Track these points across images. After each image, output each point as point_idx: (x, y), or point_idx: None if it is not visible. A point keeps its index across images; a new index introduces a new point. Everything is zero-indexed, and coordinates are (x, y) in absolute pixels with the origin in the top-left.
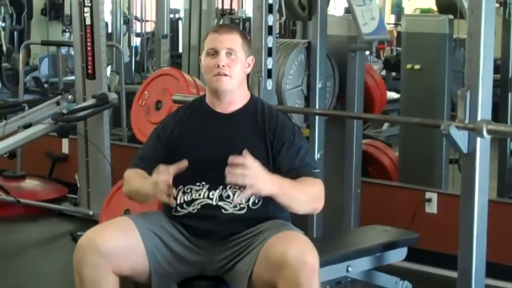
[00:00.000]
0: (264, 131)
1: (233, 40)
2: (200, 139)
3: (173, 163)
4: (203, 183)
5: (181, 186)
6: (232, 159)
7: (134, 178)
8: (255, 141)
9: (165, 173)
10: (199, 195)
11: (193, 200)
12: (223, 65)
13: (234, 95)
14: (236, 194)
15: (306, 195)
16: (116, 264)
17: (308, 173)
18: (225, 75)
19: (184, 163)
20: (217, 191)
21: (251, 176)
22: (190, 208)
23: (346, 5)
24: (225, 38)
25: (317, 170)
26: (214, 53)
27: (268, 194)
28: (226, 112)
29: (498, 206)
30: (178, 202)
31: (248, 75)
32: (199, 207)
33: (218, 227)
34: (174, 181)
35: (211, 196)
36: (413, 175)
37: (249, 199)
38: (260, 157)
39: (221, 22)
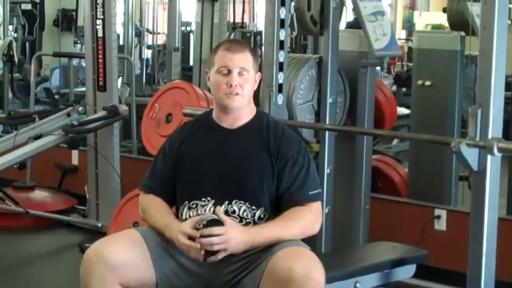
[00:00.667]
0: (269, 146)
1: (246, 60)
2: (206, 154)
3: (180, 179)
4: (209, 198)
5: (186, 202)
6: (202, 231)
7: (155, 210)
8: (260, 155)
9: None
10: (205, 210)
11: (199, 216)
12: (235, 85)
13: (242, 112)
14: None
15: (293, 231)
16: (123, 276)
17: (302, 199)
18: (237, 94)
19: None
20: (223, 206)
21: (222, 243)
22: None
23: (348, 19)
24: (238, 57)
25: (315, 192)
26: (226, 72)
27: (251, 248)
28: (232, 127)
29: (507, 224)
30: (184, 217)
31: (258, 89)
32: (204, 222)
33: None
34: (180, 195)
35: (216, 211)
36: (423, 191)
37: (254, 213)
38: (266, 171)
39: (232, 35)
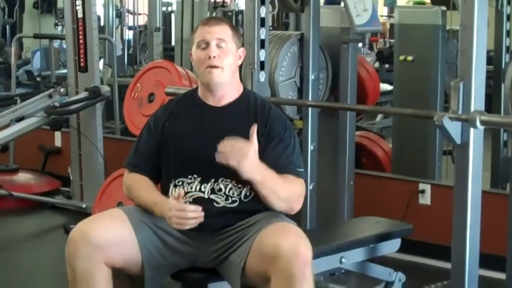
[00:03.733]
0: (256, 123)
1: (223, 31)
2: (192, 132)
3: (166, 156)
4: (195, 176)
5: (172, 179)
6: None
7: (140, 188)
8: (247, 134)
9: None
10: (191, 188)
11: (185, 193)
12: (214, 56)
13: (226, 88)
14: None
15: (286, 192)
16: (108, 255)
17: (292, 172)
18: (216, 66)
19: (182, 192)
20: (209, 184)
21: (238, 156)
22: (182, 201)
23: None
24: (215, 29)
25: (301, 169)
26: (205, 45)
27: (250, 178)
28: (219, 105)
29: (491, 197)
30: (170, 195)
31: (240, 67)
32: (191, 200)
33: (210, 220)
34: (166, 174)
35: (203, 189)
36: (407, 166)
37: (240, 192)
38: None
39: (214, 14)
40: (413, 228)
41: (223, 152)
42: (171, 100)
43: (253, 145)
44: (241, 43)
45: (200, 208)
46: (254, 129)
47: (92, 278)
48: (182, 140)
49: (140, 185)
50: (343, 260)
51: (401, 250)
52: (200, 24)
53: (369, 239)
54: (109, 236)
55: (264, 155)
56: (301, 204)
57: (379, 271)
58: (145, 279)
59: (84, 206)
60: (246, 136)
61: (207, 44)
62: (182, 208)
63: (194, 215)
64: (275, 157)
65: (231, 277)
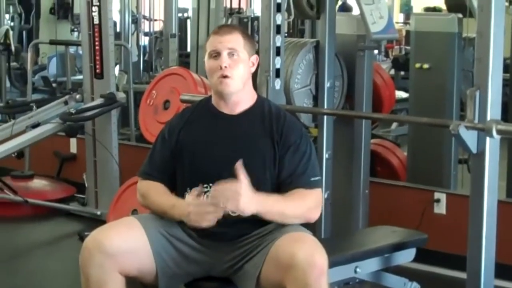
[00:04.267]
0: (271, 132)
1: (235, 40)
2: (207, 141)
3: (181, 165)
4: (210, 185)
5: (188, 188)
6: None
7: (155, 195)
8: (262, 141)
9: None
10: (207, 197)
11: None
12: (225, 66)
13: (239, 96)
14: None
15: (295, 210)
16: (122, 264)
17: (304, 184)
18: (227, 77)
19: (200, 189)
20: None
21: (232, 199)
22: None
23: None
24: (226, 38)
25: (316, 178)
26: (216, 54)
27: (251, 213)
28: (233, 113)
29: (507, 207)
30: None
31: (254, 75)
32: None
33: (226, 229)
34: (181, 183)
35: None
36: (422, 175)
37: None
38: (267, 158)
39: (229, 21)
40: (428, 238)
41: (218, 199)
42: (185, 108)
43: (244, 183)
44: (255, 51)
45: (216, 201)
46: (239, 165)
47: (105, 286)
48: (197, 149)
49: (156, 191)
50: (357, 269)
51: (416, 259)
52: (212, 33)
53: (384, 249)
54: (123, 244)
55: (280, 165)
56: (318, 213)
57: (394, 281)
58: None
59: (99, 213)
60: (260, 145)
61: (218, 54)
62: (200, 202)
63: (211, 209)
64: (291, 167)
65: (246, 286)
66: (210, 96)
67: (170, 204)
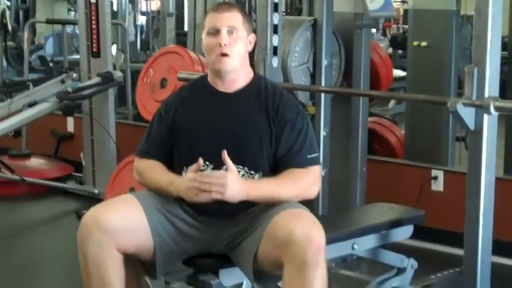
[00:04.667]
0: (267, 110)
1: (234, 18)
2: (204, 119)
3: (178, 143)
4: (207, 163)
5: (184, 166)
6: (203, 174)
7: (153, 172)
8: (259, 119)
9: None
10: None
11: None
12: (225, 44)
13: (236, 74)
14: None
15: (289, 192)
16: (120, 241)
17: (300, 163)
18: (227, 55)
19: (200, 162)
20: (221, 171)
21: (218, 190)
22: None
23: None
24: (226, 16)
25: (313, 155)
26: (215, 32)
27: (240, 200)
28: (229, 91)
29: (504, 184)
30: None
31: (251, 53)
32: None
33: (223, 206)
34: (178, 161)
35: (223, 156)
36: (419, 152)
37: (253, 178)
38: (263, 136)
39: None
40: (426, 215)
41: (204, 190)
42: (182, 86)
43: (230, 172)
44: (252, 29)
45: (217, 173)
46: (225, 155)
47: (103, 264)
48: (193, 127)
49: (153, 169)
50: (355, 246)
51: (413, 236)
52: (211, 10)
53: (381, 226)
54: (121, 222)
55: (276, 143)
56: (316, 190)
57: (391, 258)
58: (157, 265)
59: (96, 191)
60: (257, 122)
61: (218, 31)
62: (199, 176)
63: (213, 180)
64: (287, 144)
65: (243, 263)
66: (207, 74)
67: (168, 181)
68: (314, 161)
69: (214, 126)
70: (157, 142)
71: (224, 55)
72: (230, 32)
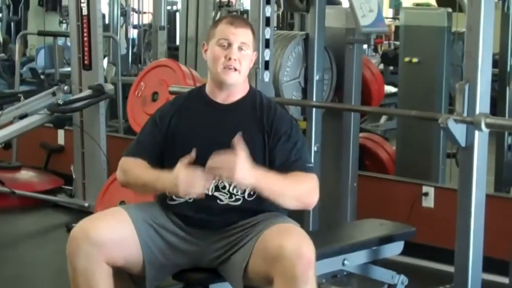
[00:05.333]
0: (262, 123)
1: (247, 35)
2: (198, 129)
3: (171, 152)
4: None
5: None
6: (214, 156)
7: (138, 169)
8: (253, 132)
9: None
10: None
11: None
12: (234, 59)
13: (237, 88)
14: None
15: (295, 191)
16: (109, 254)
17: (301, 168)
18: (235, 69)
19: (193, 155)
20: (213, 181)
21: (227, 170)
22: (186, 198)
23: None
24: (240, 32)
25: (310, 165)
26: (227, 44)
27: (249, 187)
28: (226, 102)
29: (495, 201)
30: None
31: None
32: (194, 196)
33: (213, 218)
34: (170, 169)
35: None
36: (410, 169)
37: (244, 190)
38: (257, 149)
39: (218, 14)
40: (416, 231)
41: (214, 168)
42: (177, 96)
43: (241, 155)
44: (256, 47)
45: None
46: (239, 138)
47: (92, 277)
48: (188, 137)
49: (139, 166)
50: (345, 262)
51: (404, 252)
52: (224, 21)
53: (372, 242)
54: (110, 234)
55: (272, 155)
56: (316, 198)
57: (382, 274)
58: (147, 278)
59: (86, 204)
60: (251, 135)
61: (229, 45)
62: (190, 170)
63: (202, 175)
64: (284, 155)
65: (233, 278)
66: (203, 85)
67: (154, 176)
68: (312, 170)
69: (208, 136)
70: (148, 146)
71: (232, 69)
72: (240, 48)
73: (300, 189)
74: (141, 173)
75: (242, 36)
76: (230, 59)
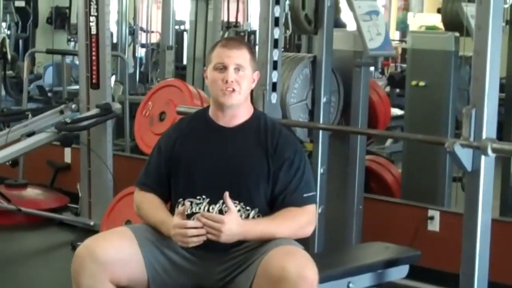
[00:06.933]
0: (266, 146)
1: (242, 56)
2: (202, 153)
3: (175, 176)
4: (204, 196)
5: (181, 199)
6: (203, 213)
7: (147, 207)
8: (257, 155)
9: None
10: (199, 208)
11: (193, 214)
12: (231, 81)
13: (238, 109)
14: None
15: (286, 231)
16: (114, 273)
17: (297, 201)
18: (234, 90)
19: (187, 205)
20: (217, 205)
21: (214, 233)
22: (185, 217)
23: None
24: (234, 53)
25: (309, 194)
26: (223, 68)
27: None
28: (229, 125)
29: (500, 225)
30: None
31: (251, 89)
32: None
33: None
34: (175, 193)
35: (211, 210)
36: (416, 192)
37: (248, 214)
38: (260, 172)
39: (226, 34)
40: (422, 255)
41: (192, 236)
42: (181, 119)
43: (230, 214)
44: (257, 66)
45: (200, 224)
46: (226, 196)
47: None
48: (191, 160)
49: (149, 204)
50: (350, 285)
51: (409, 276)
52: (220, 45)
53: (377, 265)
54: (115, 254)
55: (273, 180)
56: (311, 229)
57: None
58: None
59: (92, 223)
60: (255, 158)
61: (225, 68)
62: (183, 224)
63: (194, 232)
64: (283, 185)
65: None
66: (207, 107)
67: (160, 220)
68: (310, 200)
69: (212, 159)
70: (156, 175)
71: (230, 90)
72: (237, 70)
73: (291, 229)
74: (149, 213)
75: (237, 57)
76: (227, 82)
